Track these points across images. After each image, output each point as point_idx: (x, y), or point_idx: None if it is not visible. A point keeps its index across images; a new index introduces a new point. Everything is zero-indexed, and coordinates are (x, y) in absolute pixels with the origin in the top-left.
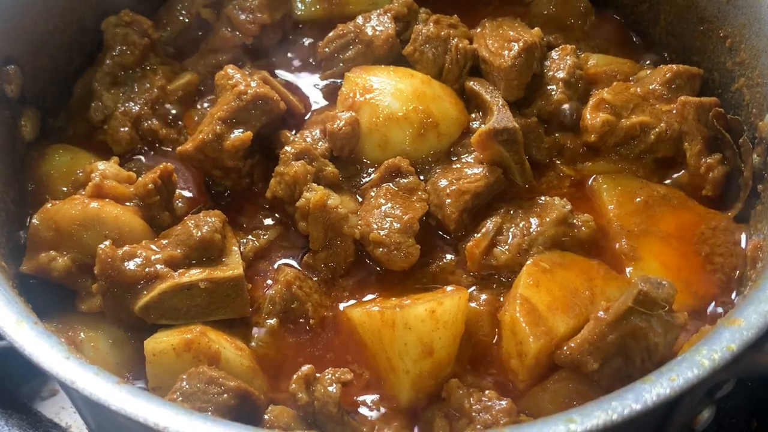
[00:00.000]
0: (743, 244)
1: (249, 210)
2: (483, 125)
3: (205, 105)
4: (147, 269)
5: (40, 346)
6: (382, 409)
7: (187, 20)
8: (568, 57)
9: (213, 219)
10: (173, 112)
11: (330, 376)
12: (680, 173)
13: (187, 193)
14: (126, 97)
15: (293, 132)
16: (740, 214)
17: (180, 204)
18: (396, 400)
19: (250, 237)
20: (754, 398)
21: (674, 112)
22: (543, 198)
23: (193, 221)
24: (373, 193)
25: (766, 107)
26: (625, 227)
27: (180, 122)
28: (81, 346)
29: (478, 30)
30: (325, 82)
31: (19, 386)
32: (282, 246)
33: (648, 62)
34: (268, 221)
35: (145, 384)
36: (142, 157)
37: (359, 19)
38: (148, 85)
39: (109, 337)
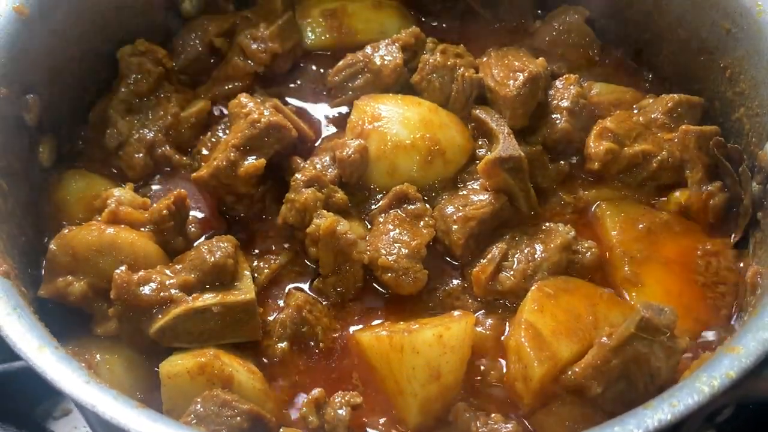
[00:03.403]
0: (743, 271)
1: (261, 235)
2: (489, 153)
3: (219, 132)
4: (162, 294)
5: (62, 371)
6: None
7: (200, 49)
8: (572, 86)
9: (226, 244)
10: (186, 138)
11: (340, 399)
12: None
13: (200, 216)
14: (140, 124)
15: (304, 159)
16: (740, 241)
17: (193, 228)
18: (404, 423)
19: (261, 262)
20: (755, 421)
21: (676, 140)
22: (547, 224)
23: (206, 246)
24: (381, 219)
25: (765, 137)
26: (628, 253)
27: (193, 148)
28: (97, 368)
29: (484, 59)
30: (334, 110)
31: (34, 407)
32: (293, 270)
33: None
34: (280, 246)
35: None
36: (157, 183)
37: (368, 49)
38: (162, 113)
39: (124, 360)
